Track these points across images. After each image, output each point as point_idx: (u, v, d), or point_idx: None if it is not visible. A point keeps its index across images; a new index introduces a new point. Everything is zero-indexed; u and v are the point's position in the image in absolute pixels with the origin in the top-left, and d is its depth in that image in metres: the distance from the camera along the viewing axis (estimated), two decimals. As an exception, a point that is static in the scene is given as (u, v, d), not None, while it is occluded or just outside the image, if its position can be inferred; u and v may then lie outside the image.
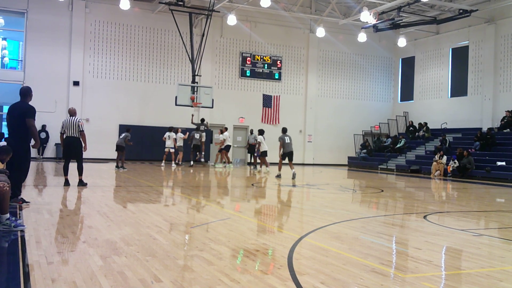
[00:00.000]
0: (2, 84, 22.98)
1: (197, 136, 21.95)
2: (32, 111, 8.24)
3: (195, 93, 21.33)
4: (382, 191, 13.89)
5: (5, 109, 24.54)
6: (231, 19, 23.89)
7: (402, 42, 26.93)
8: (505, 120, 22.95)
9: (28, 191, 10.04)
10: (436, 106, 27.70)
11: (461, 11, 23.22)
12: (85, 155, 11.75)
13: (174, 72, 25.65)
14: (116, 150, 18.76)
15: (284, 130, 17.64)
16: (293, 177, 16.55)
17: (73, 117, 11.38)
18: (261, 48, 27.40)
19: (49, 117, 22.34)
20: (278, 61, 27.75)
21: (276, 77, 27.74)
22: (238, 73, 26.96)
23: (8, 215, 6.11)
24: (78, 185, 11.40)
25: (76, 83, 23.64)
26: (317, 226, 7.20)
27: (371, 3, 23.46)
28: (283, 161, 17.41)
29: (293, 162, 17.60)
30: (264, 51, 27.51)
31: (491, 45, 24.58)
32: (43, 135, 22.57)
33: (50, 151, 23.49)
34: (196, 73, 22.24)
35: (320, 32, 25.63)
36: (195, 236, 6.37)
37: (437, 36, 27.77)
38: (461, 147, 21.55)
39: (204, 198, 11.17)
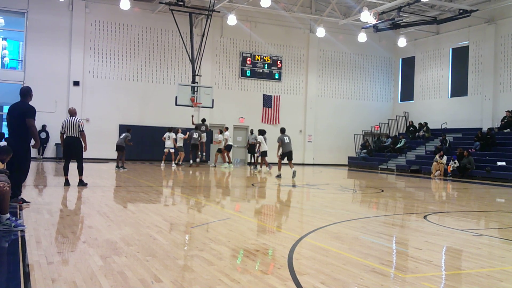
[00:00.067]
0: (2, 84, 22.99)
1: (195, 135, 21.95)
2: (32, 111, 8.24)
3: (195, 93, 21.34)
4: (382, 191, 13.89)
5: (5, 109, 24.55)
6: (231, 19, 23.89)
7: (402, 42, 26.93)
8: (505, 120, 22.95)
9: (28, 191, 10.04)
10: (436, 106, 27.70)
11: (461, 11, 23.22)
12: (85, 155, 11.75)
13: (174, 72, 25.65)
14: (116, 150, 18.77)
15: (283, 130, 17.70)
16: (293, 175, 16.60)
17: (73, 117, 11.38)
18: (261, 48, 27.40)
19: (49, 117, 22.34)
20: (278, 61, 27.75)
21: (276, 77, 27.74)
22: (238, 73, 26.96)
23: (8, 215, 6.11)
24: (78, 185, 11.41)
25: (76, 83, 23.64)
26: (317, 226, 7.20)
27: (371, 3, 23.46)
28: (283, 161, 17.42)
29: (293, 162, 17.63)
30: (264, 51, 27.51)
31: (491, 45, 24.58)
32: (43, 135, 22.57)
33: (50, 151, 23.49)
34: (196, 73, 22.25)
35: (320, 32, 25.63)
36: (195, 236, 6.37)
37: (437, 36, 27.77)
38: (461, 147, 21.55)
39: (204, 198, 11.17)
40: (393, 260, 5.54)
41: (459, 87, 26.66)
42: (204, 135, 22.67)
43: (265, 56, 27.46)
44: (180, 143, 21.41)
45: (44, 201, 9.10)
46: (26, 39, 23.24)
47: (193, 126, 22.81)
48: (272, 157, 21.77)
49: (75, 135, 11.24)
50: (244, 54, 26.96)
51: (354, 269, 4.80)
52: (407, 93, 30.13)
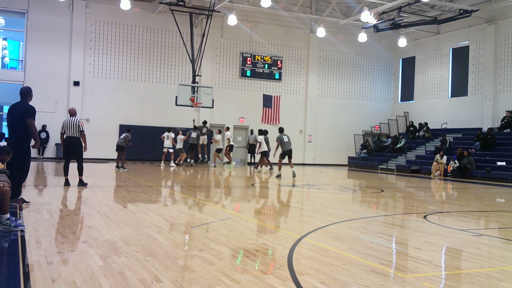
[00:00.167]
0: (2, 84, 22.99)
1: (193, 135, 21.96)
2: (32, 111, 8.24)
3: (196, 93, 21.35)
4: (382, 191, 13.89)
5: (5, 109, 24.55)
6: (232, 19, 23.88)
7: (402, 42, 26.93)
8: (505, 120, 22.94)
9: (28, 191, 10.04)
10: (437, 106, 27.69)
11: (461, 11, 23.22)
12: (85, 155, 11.75)
13: (174, 72, 25.65)
14: (116, 150, 18.78)
15: (281, 130, 17.77)
16: (293, 175, 16.61)
17: (73, 117, 11.39)
18: (262, 48, 27.40)
19: (49, 117, 22.35)
20: (279, 61, 27.75)
21: (277, 77, 27.74)
22: (238, 73, 26.96)
23: (8, 215, 6.11)
24: (78, 185, 11.41)
25: (76, 83, 23.64)
26: (317, 226, 7.20)
27: (371, 3, 23.46)
28: (283, 161, 17.44)
29: (293, 162, 17.63)
30: (265, 51, 27.51)
31: (491, 45, 24.57)
32: (43, 135, 22.57)
33: (50, 151, 23.49)
34: (196, 73, 22.25)
35: (321, 32, 25.63)
36: (195, 236, 6.37)
37: (437, 36, 27.77)
38: (461, 147, 21.55)
39: (204, 198, 11.17)
40: (393, 260, 5.54)
41: (459, 87, 26.65)
42: (205, 137, 22.67)
43: (265, 56, 27.46)
44: (180, 145, 21.43)
45: (44, 201, 9.10)
46: (26, 39, 23.24)
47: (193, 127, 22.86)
48: (273, 157, 21.75)
49: (75, 135, 11.24)
50: (244, 54, 26.96)
51: (354, 269, 4.81)
52: (407, 93, 30.13)
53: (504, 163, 20.15)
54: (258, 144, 20.67)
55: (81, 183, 11.49)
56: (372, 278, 4.52)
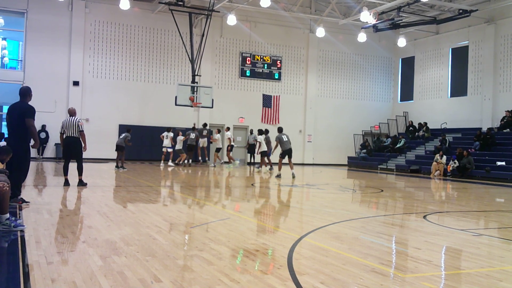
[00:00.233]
0: (2, 84, 22.98)
1: (192, 136, 21.98)
2: (31, 111, 8.23)
3: (195, 93, 21.35)
4: (382, 191, 13.89)
5: (5, 109, 24.55)
6: (231, 19, 23.88)
7: (402, 42, 26.93)
8: (505, 120, 22.95)
9: (28, 191, 10.04)
10: (436, 106, 27.70)
11: (461, 11, 23.23)
12: (85, 155, 11.75)
13: (174, 72, 25.65)
14: (116, 150, 18.78)
15: (280, 130, 17.79)
16: (293, 177, 16.62)
17: (73, 117, 11.38)
18: (261, 48, 27.40)
19: (49, 117, 22.34)
20: (278, 61, 27.75)
21: (276, 77, 27.74)
22: (238, 73, 26.96)
23: (8, 215, 6.10)
24: (78, 185, 11.40)
25: (76, 83, 23.63)
26: (317, 226, 7.20)
27: (371, 3, 23.46)
28: (283, 160, 17.44)
29: (293, 162, 17.62)
30: (264, 51, 27.51)
31: (491, 45, 24.58)
32: (43, 135, 22.57)
33: (50, 151, 23.48)
34: (196, 73, 22.25)
35: (320, 32, 25.63)
36: (195, 236, 6.37)
37: (437, 36, 27.77)
38: (461, 147, 21.55)
39: (204, 198, 11.17)
40: (392, 260, 5.54)
41: (459, 87, 26.66)
42: (205, 140, 22.66)
43: (265, 56, 27.46)
44: (179, 145, 21.45)
45: (43, 201, 9.10)
46: (25, 39, 23.23)
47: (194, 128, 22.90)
48: (273, 157, 21.75)
49: (74, 135, 11.24)
50: (243, 54, 26.96)
51: (354, 269, 4.81)
52: (407, 93, 30.13)
53: (503, 163, 20.16)
54: (258, 144, 20.68)
55: (81, 183, 11.49)
56: (372, 278, 4.52)
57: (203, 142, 22.62)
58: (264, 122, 27.16)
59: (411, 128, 27.77)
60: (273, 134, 23.36)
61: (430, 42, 28.28)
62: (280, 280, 4.36)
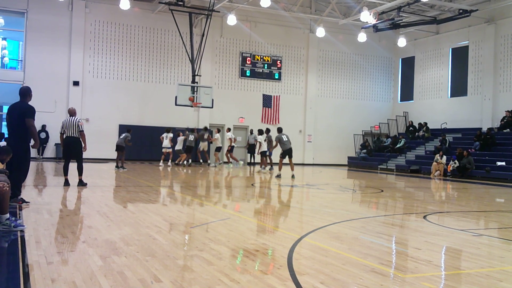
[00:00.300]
0: (2, 84, 22.98)
1: (191, 137, 21.99)
2: (31, 111, 8.23)
3: (195, 93, 21.36)
4: (382, 191, 13.89)
5: (5, 109, 24.55)
6: (231, 19, 23.88)
7: (402, 42, 26.93)
8: (505, 120, 22.95)
9: (28, 191, 10.04)
10: (436, 106, 27.70)
11: (461, 11, 23.22)
12: (85, 155, 11.75)
13: (174, 72, 25.65)
14: (116, 150, 18.78)
15: (280, 130, 17.78)
16: (292, 177, 16.61)
17: (73, 117, 11.39)
18: (261, 48, 27.40)
19: (49, 117, 22.34)
20: (278, 61, 27.75)
21: (276, 77, 27.74)
22: (238, 73, 26.96)
23: (8, 215, 6.10)
24: (78, 185, 11.41)
25: (76, 83, 23.63)
26: (317, 226, 7.20)
27: (371, 3, 23.46)
28: (284, 160, 17.44)
29: (293, 161, 17.61)
30: (264, 51, 27.51)
31: (491, 45, 24.58)
32: (43, 135, 22.57)
33: (50, 151, 23.49)
34: (196, 73, 22.26)
35: (320, 32, 25.63)
36: (195, 236, 6.37)
37: (437, 36, 27.77)
38: (461, 147, 21.55)
39: (204, 198, 11.17)
40: (392, 260, 5.54)
41: (459, 87, 26.66)
42: (205, 143, 22.65)
43: (265, 56, 27.46)
44: (179, 146, 21.46)
45: (43, 201, 9.10)
46: (26, 39, 23.23)
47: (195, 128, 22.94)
48: (273, 157, 21.76)
49: (74, 135, 11.24)
50: (244, 54, 26.96)
51: (354, 269, 4.81)
52: (407, 93, 30.13)
53: (503, 163, 20.15)
54: (258, 144, 20.68)
55: (81, 183, 11.49)
56: (372, 278, 4.52)
57: (204, 146, 22.60)
58: (264, 122, 27.16)
59: (411, 128, 27.77)
60: (273, 134, 23.46)
61: (430, 42, 28.28)
62: (280, 280, 4.36)
